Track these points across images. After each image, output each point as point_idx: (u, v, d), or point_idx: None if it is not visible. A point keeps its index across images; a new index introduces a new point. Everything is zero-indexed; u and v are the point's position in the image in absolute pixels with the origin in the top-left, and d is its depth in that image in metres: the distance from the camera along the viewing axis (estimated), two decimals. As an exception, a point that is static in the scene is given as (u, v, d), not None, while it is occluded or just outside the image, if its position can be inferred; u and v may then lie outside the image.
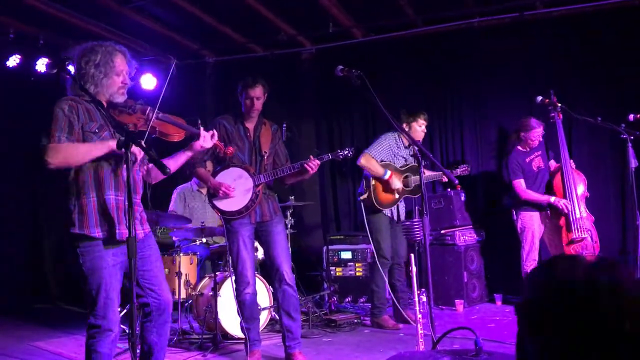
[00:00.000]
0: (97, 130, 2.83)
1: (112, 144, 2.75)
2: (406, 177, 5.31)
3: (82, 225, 2.78)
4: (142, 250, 2.95)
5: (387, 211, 5.31)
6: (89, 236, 2.78)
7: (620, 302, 0.98)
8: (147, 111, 2.98)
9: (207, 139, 3.18)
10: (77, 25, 6.23)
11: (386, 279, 5.18)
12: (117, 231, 2.83)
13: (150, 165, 3.08)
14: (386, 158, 5.30)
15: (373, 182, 5.26)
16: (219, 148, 3.40)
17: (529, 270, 5.58)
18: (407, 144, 5.35)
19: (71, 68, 2.89)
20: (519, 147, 5.65)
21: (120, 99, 2.96)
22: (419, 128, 5.35)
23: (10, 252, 6.72)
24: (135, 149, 2.76)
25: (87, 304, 2.81)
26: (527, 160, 5.60)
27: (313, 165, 4.05)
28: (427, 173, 5.27)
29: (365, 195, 5.28)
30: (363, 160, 5.24)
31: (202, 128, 3.16)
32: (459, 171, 5.67)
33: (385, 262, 5.21)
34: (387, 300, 5.38)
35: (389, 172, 5.20)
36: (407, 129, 5.28)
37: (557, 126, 5.45)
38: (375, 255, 5.29)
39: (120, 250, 2.85)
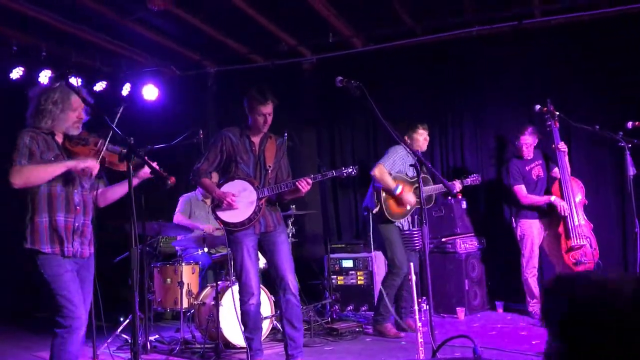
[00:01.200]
0: (52, 159, 3.14)
1: (69, 163, 3.09)
2: (416, 188, 5.32)
3: (34, 242, 3.07)
4: (87, 269, 3.26)
5: (397, 222, 5.35)
6: (40, 251, 3.06)
7: None
8: (99, 144, 3.25)
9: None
10: (79, 37, 6.29)
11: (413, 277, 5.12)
12: (65, 249, 3.11)
13: (101, 190, 3.37)
14: (400, 169, 5.35)
15: (384, 194, 5.28)
16: (161, 174, 3.30)
17: (529, 278, 5.62)
18: (426, 140, 5.42)
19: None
20: (519, 155, 5.68)
21: (75, 132, 3.25)
22: (420, 137, 5.39)
23: (11, 261, 6.73)
24: (90, 164, 3.09)
25: (52, 309, 3.03)
26: (527, 168, 5.64)
27: (303, 185, 4.09)
28: (432, 185, 5.30)
29: (377, 209, 5.29)
30: (377, 172, 5.23)
31: (145, 157, 3.18)
32: (469, 180, 5.68)
33: (400, 272, 5.21)
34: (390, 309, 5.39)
35: (400, 187, 5.21)
36: (408, 141, 5.30)
37: (553, 134, 5.49)
38: (389, 266, 5.30)
39: (72, 262, 3.15)
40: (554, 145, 5.48)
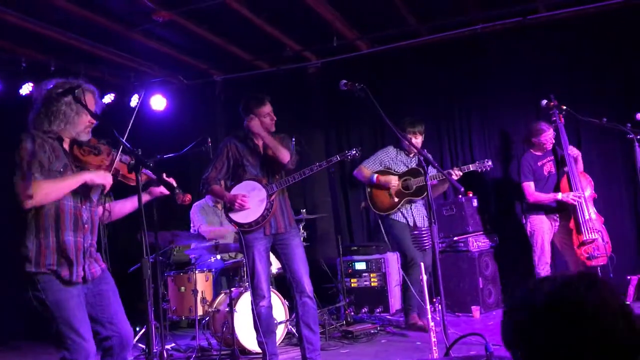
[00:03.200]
0: (61, 170, 2.80)
1: (86, 176, 2.77)
2: (405, 180, 5.36)
3: (39, 264, 2.72)
4: (99, 285, 2.93)
5: (395, 215, 5.37)
6: (44, 273, 2.72)
7: (605, 319, 1.05)
8: (111, 154, 2.95)
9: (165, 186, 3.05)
10: (86, 50, 6.36)
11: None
12: (74, 272, 2.77)
13: (108, 205, 3.04)
14: (385, 164, 5.47)
15: (368, 189, 5.52)
16: (177, 196, 3.12)
17: (542, 274, 5.59)
18: (418, 143, 5.37)
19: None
20: (532, 151, 5.65)
21: (85, 137, 2.93)
22: (415, 140, 5.34)
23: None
24: (108, 179, 2.80)
25: (56, 340, 2.73)
26: (539, 164, 5.61)
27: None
28: (433, 182, 5.29)
29: (363, 204, 5.56)
30: (355, 171, 5.58)
31: (163, 174, 3.01)
32: (471, 167, 5.35)
33: (414, 264, 5.25)
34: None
35: (375, 175, 5.39)
36: (414, 139, 5.32)
37: (559, 129, 5.47)
38: (402, 259, 5.42)
39: (83, 288, 2.84)
40: (562, 152, 5.46)
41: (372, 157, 5.56)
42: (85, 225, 2.87)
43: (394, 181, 5.35)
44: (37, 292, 2.72)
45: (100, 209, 3.00)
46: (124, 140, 2.85)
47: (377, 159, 5.53)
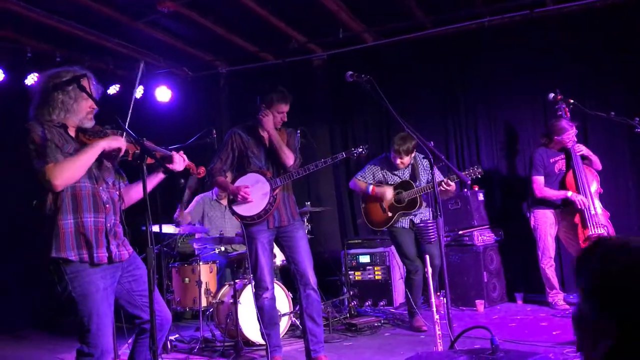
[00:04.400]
0: (72, 152, 2.76)
1: (103, 143, 2.75)
2: (397, 193, 5.32)
3: (59, 249, 2.69)
4: (131, 270, 2.94)
5: (400, 222, 5.35)
6: (67, 259, 2.70)
7: None
8: (117, 134, 2.92)
9: (179, 162, 3.06)
10: (91, 41, 6.35)
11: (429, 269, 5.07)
12: (95, 255, 2.75)
13: (123, 188, 3.04)
14: (378, 178, 5.42)
15: (363, 205, 5.52)
16: (191, 169, 3.25)
17: (546, 269, 5.58)
18: (404, 165, 5.31)
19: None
20: (548, 147, 5.61)
21: (89, 124, 2.90)
22: (397, 160, 5.28)
23: (35, 265, 6.83)
24: (122, 142, 2.78)
25: (78, 329, 2.72)
26: (552, 160, 5.57)
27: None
28: (414, 189, 5.25)
29: (359, 220, 5.59)
30: (350, 183, 5.58)
31: (174, 152, 3.06)
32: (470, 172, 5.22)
33: (413, 269, 5.23)
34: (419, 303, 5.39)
35: (370, 186, 5.36)
36: (399, 160, 5.26)
37: (570, 143, 5.43)
38: (404, 266, 5.38)
39: (109, 273, 2.81)
40: (570, 146, 5.43)
41: (366, 169, 5.50)
42: (107, 206, 2.85)
43: (389, 193, 5.30)
44: (64, 282, 2.70)
45: (118, 191, 2.98)
46: (127, 128, 2.86)
47: (370, 172, 5.46)
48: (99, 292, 2.73)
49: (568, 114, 5.40)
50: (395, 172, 5.39)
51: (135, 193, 3.07)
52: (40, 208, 2.76)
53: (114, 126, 2.93)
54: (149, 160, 2.81)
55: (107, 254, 2.79)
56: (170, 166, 3.00)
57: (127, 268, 2.93)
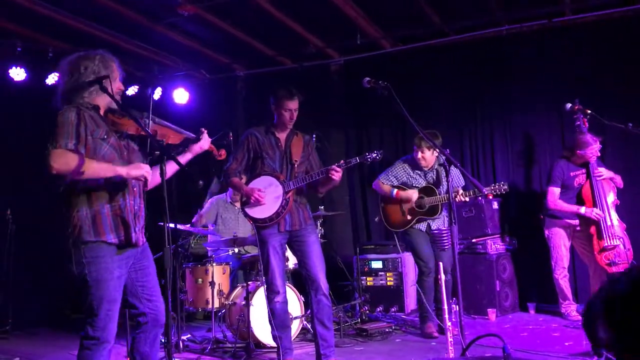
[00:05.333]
0: (105, 137, 2.82)
1: (121, 170, 2.77)
2: (420, 198, 5.30)
3: (98, 232, 2.74)
4: (141, 260, 2.97)
5: (418, 225, 5.33)
6: (105, 242, 2.75)
7: None
8: (144, 116, 3.01)
9: (204, 142, 3.29)
10: (111, 42, 6.42)
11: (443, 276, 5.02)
12: (132, 236, 2.83)
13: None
14: (402, 180, 5.39)
15: (382, 204, 5.49)
16: (213, 151, 3.47)
17: (559, 279, 5.55)
18: (427, 163, 5.29)
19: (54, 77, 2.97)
20: (570, 160, 5.56)
21: (115, 106, 2.95)
22: (425, 154, 5.24)
23: (49, 263, 6.91)
24: (145, 170, 2.82)
25: (86, 314, 2.77)
26: (572, 174, 5.52)
27: (335, 172, 4.07)
28: (436, 196, 5.22)
29: (377, 218, 5.58)
30: (374, 184, 5.53)
31: (204, 131, 3.27)
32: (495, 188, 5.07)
33: (427, 271, 5.22)
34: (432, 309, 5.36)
35: (395, 190, 5.32)
36: (419, 155, 5.25)
37: (583, 133, 5.39)
38: (417, 267, 5.35)
39: (124, 262, 2.86)
40: (592, 160, 5.38)
41: (389, 171, 5.44)
42: (134, 189, 2.89)
43: (413, 198, 5.26)
44: (81, 265, 2.73)
45: None
46: (148, 131, 2.92)
47: (392, 174, 5.41)
48: (113, 280, 2.77)
49: (586, 124, 5.37)
50: (420, 175, 5.35)
51: (157, 177, 2.99)
52: (67, 193, 2.78)
53: (135, 110, 2.98)
54: (173, 141, 3.02)
55: (136, 235, 2.86)
56: (196, 145, 3.20)
57: (137, 257, 2.96)
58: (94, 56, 2.95)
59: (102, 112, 2.91)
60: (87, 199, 2.76)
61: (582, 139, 5.42)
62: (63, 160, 2.63)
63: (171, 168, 3.13)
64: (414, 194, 5.26)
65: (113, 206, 2.80)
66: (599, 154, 5.48)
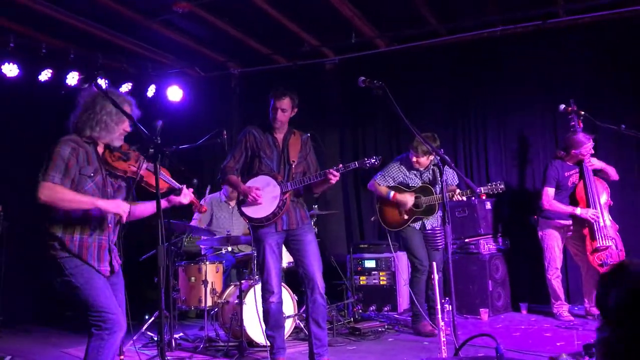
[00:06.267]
0: (92, 175, 3.04)
1: (101, 204, 2.97)
2: (417, 197, 5.31)
3: (66, 250, 2.96)
4: (114, 278, 3.15)
5: (413, 224, 5.35)
6: (80, 257, 2.96)
7: None
8: (139, 160, 3.16)
9: (186, 197, 3.29)
10: (105, 39, 6.40)
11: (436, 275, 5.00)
12: (98, 268, 3.01)
13: (132, 207, 3.21)
14: (398, 180, 5.39)
15: (378, 204, 5.48)
16: (194, 205, 3.42)
17: (552, 279, 5.57)
18: (421, 166, 5.32)
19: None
20: (564, 160, 5.59)
21: (118, 143, 3.16)
22: (421, 159, 5.26)
23: (40, 260, 6.88)
24: (123, 210, 3.01)
25: (87, 313, 2.94)
26: (566, 174, 5.55)
27: (333, 175, 4.08)
28: (433, 195, 5.24)
29: (373, 218, 5.56)
30: (370, 185, 5.52)
31: (184, 186, 3.28)
32: (486, 188, 5.16)
33: (422, 269, 5.25)
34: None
35: (392, 192, 5.31)
36: (414, 159, 5.26)
37: (576, 133, 5.42)
38: (412, 265, 5.36)
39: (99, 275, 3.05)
40: (584, 164, 5.40)
41: (385, 172, 5.44)
42: (109, 225, 3.10)
43: (410, 201, 5.28)
44: (66, 277, 2.94)
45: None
46: (142, 128, 2.98)
47: (389, 175, 5.42)
48: (100, 279, 3.00)
49: (581, 124, 5.39)
50: (416, 174, 5.37)
51: (141, 212, 3.26)
52: (52, 215, 3.00)
53: (139, 147, 3.17)
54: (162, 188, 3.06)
55: (109, 268, 3.08)
56: (176, 198, 3.27)
57: (113, 280, 3.15)
58: (112, 98, 3.10)
59: (100, 148, 3.12)
60: (63, 227, 2.98)
61: (575, 138, 5.45)
62: (48, 192, 2.89)
63: (148, 208, 3.27)
64: (409, 199, 5.26)
65: (82, 240, 3.00)
66: (593, 152, 5.50)
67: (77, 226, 2.99)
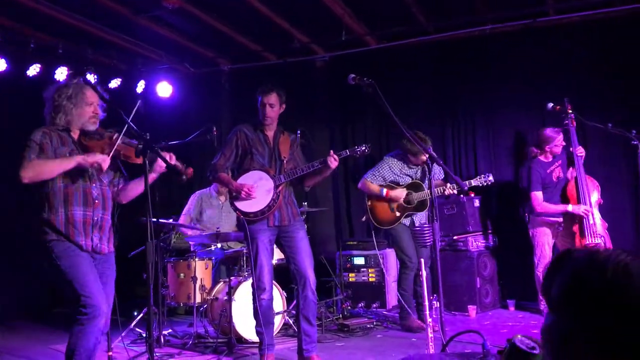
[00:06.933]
0: (67, 154, 3.17)
1: (78, 158, 3.11)
2: (408, 194, 5.34)
3: (53, 233, 3.10)
4: (105, 269, 3.27)
5: (403, 220, 5.38)
6: (68, 238, 3.09)
7: None
8: (114, 137, 3.26)
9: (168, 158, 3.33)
10: (94, 34, 6.36)
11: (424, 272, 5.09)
12: (83, 242, 3.14)
13: (122, 185, 3.42)
14: (389, 179, 5.40)
15: (368, 203, 5.47)
16: (178, 168, 3.39)
17: (541, 276, 5.60)
18: (413, 164, 5.37)
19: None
20: (541, 158, 5.64)
21: (92, 127, 3.29)
22: (423, 157, 5.18)
23: (27, 255, 6.83)
24: (100, 158, 3.13)
25: (71, 299, 3.02)
26: (548, 171, 5.60)
27: (333, 160, 4.11)
28: (425, 191, 5.26)
29: (363, 218, 5.55)
30: (360, 184, 5.50)
31: (160, 152, 3.32)
32: (475, 181, 5.28)
33: (412, 265, 5.28)
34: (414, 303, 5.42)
35: (385, 190, 5.33)
36: (412, 155, 5.29)
37: (570, 133, 5.45)
38: (401, 262, 5.39)
39: (90, 260, 3.17)
40: (571, 149, 5.44)
41: (375, 171, 5.43)
42: (96, 201, 3.22)
43: (402, 196, 5.31)
44: (53, 259, 3.07)
45: (114, 188, 3.37)
46: (130, 122, 3.08)
47: (380, 174, 5.41)
48: (86, 263, 3.11)
49: (574, 123, 5.42)
50: (407, 171, 5.39)
51: (131, 190, 3.42)
52: (37, 199, 3.15)
53: (118, 129, 3.26)
54: (136, 161, 3.20)
55: (90, 244, 3.18)
56: (157, 164, 3.32)
57: (103, 264, 3.25)
58: (70, 84, 3.32)
59: (75, 134, 3.28)
60: (47, 207, 3.13)
61: (545, 134, 5.57)
62: (28, 170, 3.04)
63: (139, 185, 3.35)
64: (402, 193, 5.30)
65: (67, 214, 3.13)
66: (564, 144, 5.57)
67: (60, 203, 3.11)
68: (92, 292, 3.02)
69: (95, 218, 3.20)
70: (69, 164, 3.10)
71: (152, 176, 3.30)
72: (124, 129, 3.21)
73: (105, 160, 3.16)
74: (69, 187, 3.16)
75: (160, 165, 3.28)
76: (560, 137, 5.52)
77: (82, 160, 3.12)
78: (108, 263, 3.30)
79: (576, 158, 5.42)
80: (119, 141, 3.24)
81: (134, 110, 3.26)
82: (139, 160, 3.20)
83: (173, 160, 3.32)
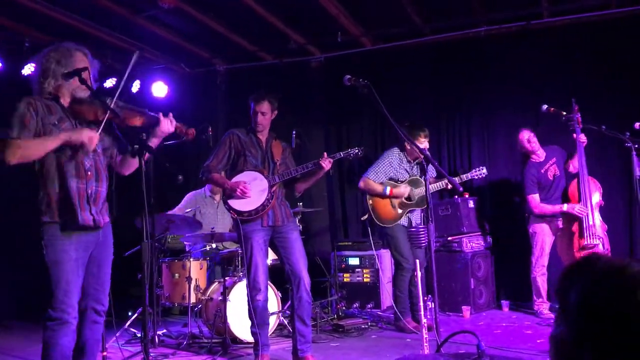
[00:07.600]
0: (56, 122, 2.94)
1: (63, 136, 2.89)
2: (410, 190, 5.36)
3: (47, 213, 2.91)
4: (102, 251, 3.07)
5: (400, 220, 5.39)
6: (52, 221, 2.89)
7: None
8: (107, 100, 3.05)
9: (167, 124, 3.19)
10: (90, 33, 6.34)
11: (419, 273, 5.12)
12: (79, 217, 2.93)
13: (121, 157, 3.22)
14: (389, 175, 5.41)
15: (370, 201, 5.44)
16: (179, 129, 3.30)
17: (537, 277, 5.63)
18: (410, 157, 5.39)
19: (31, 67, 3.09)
20: (533, 159, 5.67)
21: (83, 94, 3.04)
22: (420, 145, 5.26)
23: (19, 254, 6.80)
24: (86, 135, 2.91)
25: (48, 297, 2.87)
26: (542, 170, 5.62)
27: (327, 162, 4.13)
28: (432, 183, 5.29)
29: (365, 217, 5.51)
30: (362, 184, 5.45)
31: (160, 114, 3.19)
32: (469, 175, 5.53)
33: (407, 266, 5.29)
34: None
35: (388, 188, 5.33)
36: (408, 147, 5.31)
37: (576, 133, 5.40)
38: (396, 262, 5.39)
39: (83, 245, 2.97)
40: (575, 135, 5.38)
41: (376, 168, 5.42)
42: (88, 173, 3.00)
43: (406, 192, 5.32)
44: (43, 248, 2.89)
45: (113, 159, 3.20)
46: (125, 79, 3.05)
47: (381, 171, 5.40)
48: (70, 262, 2.89)
49: (581, 124, 5.41)
50: (405, 166, 5.40)
51: (133, 161, 3.15)
52: (35, 178, 2.95)
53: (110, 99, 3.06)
54: (136, 123, 3.07)
55: (91, 218, 2.98)
56: (159, 128, 3.14)
57: (99, 247, 3.06)
58: (59, 47, 3.09)
59: (65, 101, 3.02)
60: (42, 183, 2.93)
61: (520, 138, 5.67)
62: (11, 150, 2.81)
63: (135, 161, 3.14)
64: (406, 190, 5.32)
65: (62, 187, 2.92)
66: (534, 139, 5.63)
67: (55, 176, 2.92)
68: (67, 293, 2.85)
69: (89, 190, 2.99)
70: (53, 143, 2.89)
71: (154, 141, 3.15)
72: (120, 87, 3.02)
73: (94, 138, 2.94)
74: (61, 159, 2.95)
75: (162, 130, 3.13)
76: (531, 135, 5.59)
77: (68, 137, 2.90)
78: (106, 247, 3.12)
79: (579, 145, 5.34)
80: (112, 104, 3.04)
81: (130, 63, 3.04)
82: (139, 122, 3.08)
83: (174, 124, 3.19)
